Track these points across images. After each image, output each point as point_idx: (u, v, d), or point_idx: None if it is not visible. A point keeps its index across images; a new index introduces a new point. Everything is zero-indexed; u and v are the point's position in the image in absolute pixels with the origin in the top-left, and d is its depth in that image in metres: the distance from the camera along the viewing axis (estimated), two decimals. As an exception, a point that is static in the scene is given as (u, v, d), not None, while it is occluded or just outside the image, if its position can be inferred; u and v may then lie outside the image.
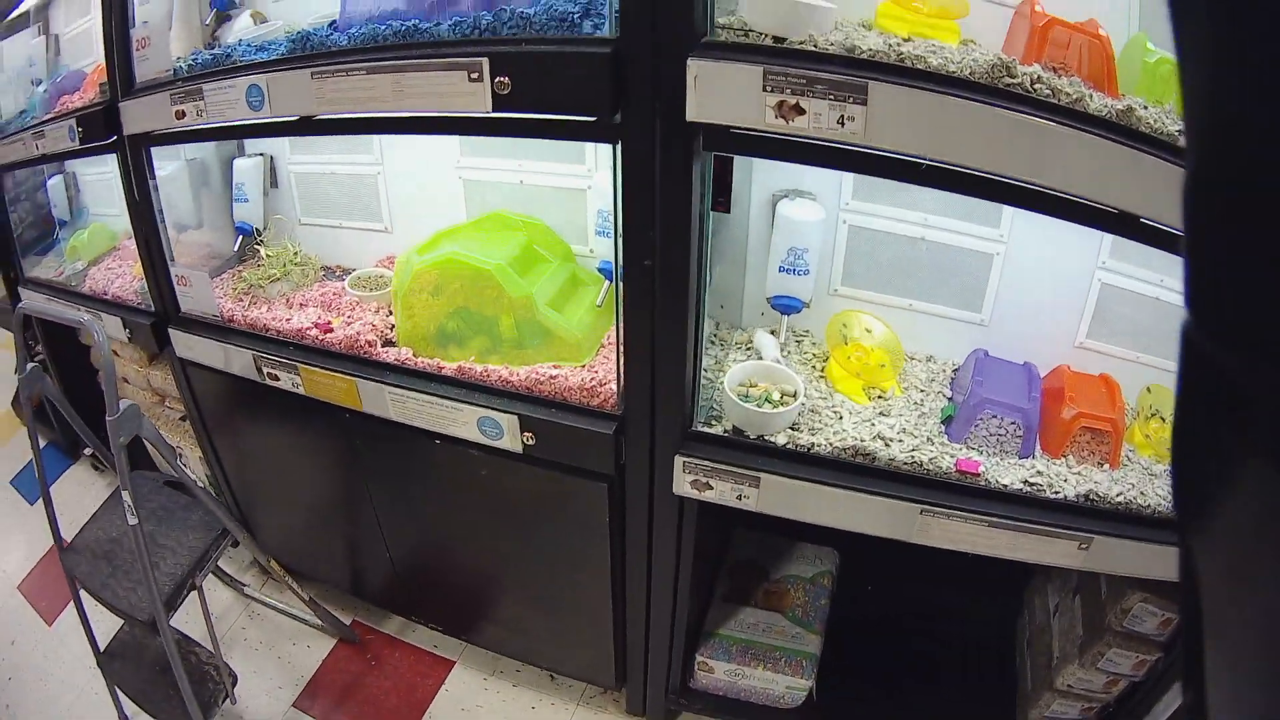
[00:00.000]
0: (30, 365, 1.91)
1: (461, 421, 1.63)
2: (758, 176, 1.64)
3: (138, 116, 1.83)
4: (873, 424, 1.51)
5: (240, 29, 1.88)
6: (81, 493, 3.07)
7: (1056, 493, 1.44)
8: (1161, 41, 1.37)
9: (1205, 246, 0.39)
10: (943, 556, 1.47)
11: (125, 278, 2.34)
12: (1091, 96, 1.15)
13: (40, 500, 2.05)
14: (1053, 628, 1.87)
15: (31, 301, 2.42)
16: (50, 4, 2.44)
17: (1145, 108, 1.18)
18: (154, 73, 1.79)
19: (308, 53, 1.55)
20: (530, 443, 1.59)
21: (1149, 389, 1.65)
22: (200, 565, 1.98)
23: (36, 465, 2.04)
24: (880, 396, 1.58)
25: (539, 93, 1.29)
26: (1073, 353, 1.66)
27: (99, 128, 1.91)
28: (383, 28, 1.46)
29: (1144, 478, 1.50)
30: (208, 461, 2.35)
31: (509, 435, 1.60)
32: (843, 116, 1.16)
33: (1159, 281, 1.61)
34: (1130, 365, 1.66)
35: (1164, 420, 1.62)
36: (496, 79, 1.29)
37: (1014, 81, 1.13)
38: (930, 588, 2.11)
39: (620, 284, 1.42)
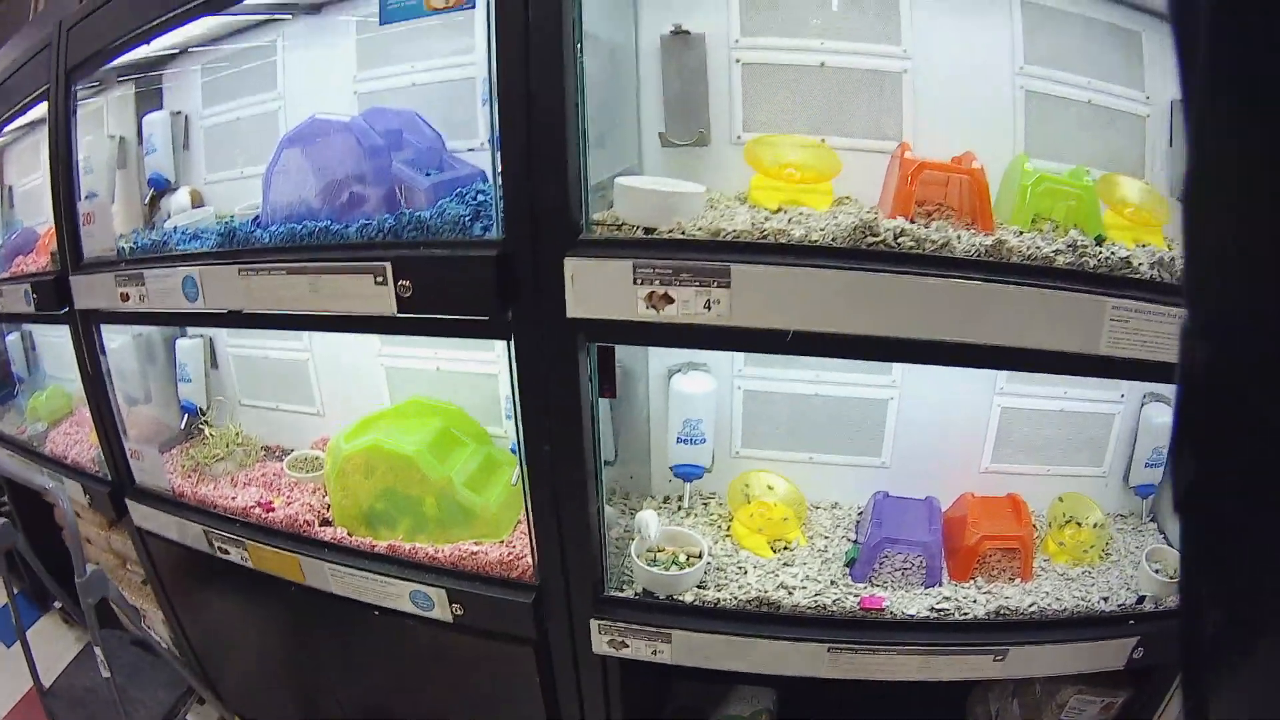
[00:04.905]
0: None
1: (396, 595, 1.69)
2: (654, 352, 1.70)
3: (87, 292, 1.91)
4: (776, 575, 1.57)
5: (178, 205, 1.96)
6: (53, 643, 3.04)
7: (965, 614, 1.50)
8: (1043, 153, 1.41)
9: (1202, 238, 0.40)
10: (880, 682, 1.50)
11: (83, 444, 2.39)
12: (959, 237, 1.20)
13: (13, 645, 2.04)
14: (994, 734, 1.90)
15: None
16: (2, 152, 2.49)
17: (1020, 234, 1.22)
18: (100, 249, 1.88)
19: (234, 248, 1.63)
20: (459, 613, 1.64)
21: (1060, 498, 1.71)
22: (170, 720, 2.01)
23: (13, 612, 2.08)
24: (785, 548, 1.65)
25: (437, 295, 1.36)
26: (979, 478, 1.71)
27: (52, 298, 1.98)
28: (299, 228, 1.55)
29: (1059, 583, 1.57)
30: (169, 623, 2.39)
31: (439, 607, 1.65)
32: (709, 300, 1.21)
33: (1062, 394, 1.68)
34: (1039, 479, 1.71)
35: (1079, 525, 1.68)
36: (399, 282, 1.36)
37: (876, 239, 1.19)
38: (871, 713, 2.12)
39: (524, 466, 1.49)
